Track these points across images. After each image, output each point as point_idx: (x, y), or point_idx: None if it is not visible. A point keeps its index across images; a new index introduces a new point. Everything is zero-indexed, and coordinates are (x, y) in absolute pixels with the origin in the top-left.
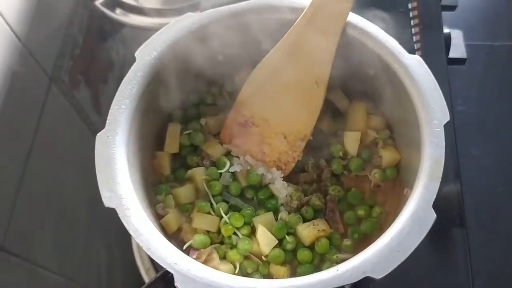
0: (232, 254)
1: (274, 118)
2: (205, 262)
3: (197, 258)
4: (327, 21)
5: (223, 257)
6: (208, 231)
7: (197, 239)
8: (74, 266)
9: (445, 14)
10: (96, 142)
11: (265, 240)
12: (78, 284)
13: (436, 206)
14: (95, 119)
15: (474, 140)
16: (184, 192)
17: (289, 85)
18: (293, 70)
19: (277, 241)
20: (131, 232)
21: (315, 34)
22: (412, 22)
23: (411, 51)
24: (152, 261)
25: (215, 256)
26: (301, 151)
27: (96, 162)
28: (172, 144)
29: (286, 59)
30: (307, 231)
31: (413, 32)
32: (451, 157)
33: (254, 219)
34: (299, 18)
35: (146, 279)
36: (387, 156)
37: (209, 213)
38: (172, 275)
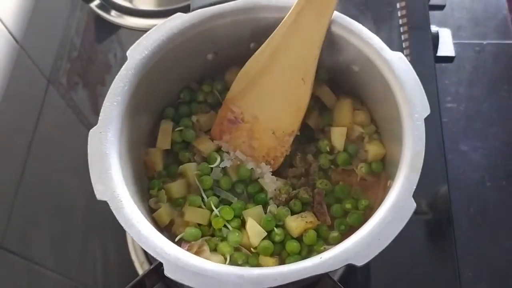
0: (223, 246)
1: (263, 115)
2: (196, 254)
3: (188, 250)
4: (313, 19)
5: (214, 249)
6: (199, 224)
7: (189, 231)
8: (70, 261)
9: (434, 14)
10: (89, 138)
11: (254, 232)
12: (74, 279)
13: (424, 201)
14: (93, 121)
15: (462, 136)
16: (176, 187)
17: (276, 82)
18: (280, 67)
19: (266, 233)
20: (122, 224)
21: (301, 32)
22: (400, 21)
23: (399, 49)
24: (146, 254)
25: (206, 248)
26: (289, 146)
27: (89, 157)
28: (164, 141)
29: (273, 57)
30: (296, 223)
31: (401, 31)
32: (438, 153)
33: (244, 212)
34: (286, 16)
35: (141, 272)
36: (372, 150)
37: (200, 206)
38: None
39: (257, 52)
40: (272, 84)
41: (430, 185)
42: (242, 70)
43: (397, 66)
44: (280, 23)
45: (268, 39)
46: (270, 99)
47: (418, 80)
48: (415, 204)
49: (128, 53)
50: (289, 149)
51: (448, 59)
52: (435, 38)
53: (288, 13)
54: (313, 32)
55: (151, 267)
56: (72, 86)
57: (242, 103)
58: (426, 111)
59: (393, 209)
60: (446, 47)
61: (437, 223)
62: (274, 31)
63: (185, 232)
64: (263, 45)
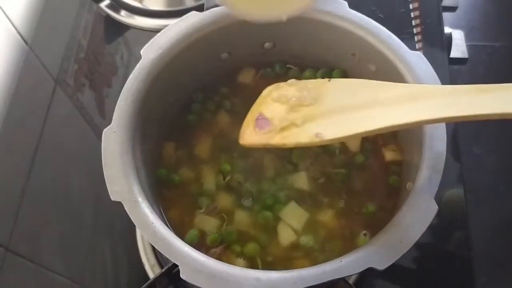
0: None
1: None
2: (219, 258)
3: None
4: None
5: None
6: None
7: (191, 234)
8: (79, 263)
9: (447, 15)
10: (103, 137)
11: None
12: (83, 282)
13: (438, 205)
14: (99, 122)
15: (476, 139)
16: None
17: None
18: None
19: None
20: (137, 225)
21: None
22: (413, 22)
23: (413, 50)
24: (157, 257)
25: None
26: None
27: (102, 157)
28: None
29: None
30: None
31: (414, 32)
32: (453, 156)
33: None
34: None
35: (151, 275)
36: (388, 155)
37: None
38: (176, 271)
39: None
40: None
41: (443, 189)
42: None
43: (417, 66)
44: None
45: None
46: None
47: (438, 79)
48: (437, 207)
49: (142, 51)
50: None
51: (461, 61)
52: (448, 39)
53: None
54: None
55: (162, 270)
56: (79, 87)
57: None
58: None
59: (415, 212)
60: (459, 49)
61: (449, 227)
62: None
63: (188, 234)
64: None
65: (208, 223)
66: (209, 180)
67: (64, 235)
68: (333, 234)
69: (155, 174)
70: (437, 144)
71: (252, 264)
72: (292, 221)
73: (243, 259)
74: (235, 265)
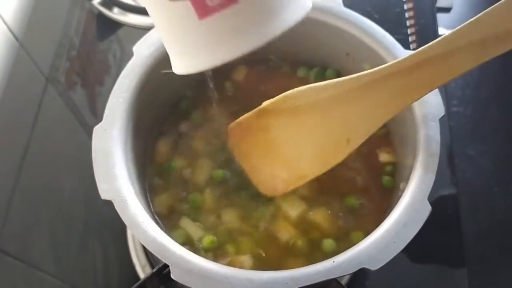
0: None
1: (284, 147)
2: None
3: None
4: (397, 92)
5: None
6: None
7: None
8: (70, 264)
9: (441, 16)
10: (94, 135)
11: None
12: (74, 283)
13: (431, 206)
14: (91, 121)
15: (469, 140)
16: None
17: (319, 125)
18: (334, 114)
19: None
20: (127, 224)
21: (376, 96)
22: (408, 23)
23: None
24: (148, 257)
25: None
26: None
27: (93, 155)
28: None
29: (333, 100)
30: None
31: (409, 32)
32: (446, 157)
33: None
34: (378, 68)
35: (142, 276)
36: (382, 156)
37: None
38: (167, 271)
39: (320, 83)
40: (312, 125)
41: (436, 191)
42: (294, 91)
43: None
44: (367, 71)
45: (341, 78)
46: (301, 137)
47: None
48: (430, 207)
49: (134, 48)
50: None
51: None
52: None
53: (379, 68)
54: (387, 104)
55: (153, 271)
56: (71, 86)
57: (272, 122)
58: (441, 111)
59: (408, 211)
60: None
61: (442, 229)
62: (352, 76)
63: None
64: (331, 81)
65: (204, 224)
66: (201, 177)
67: (54, 234)
68: (325, 234)
69: (146, 172)
70: (431, 144)
71: (246, 262)
72: (286, 208)
73: (239, 256)
74: (230, 265)
